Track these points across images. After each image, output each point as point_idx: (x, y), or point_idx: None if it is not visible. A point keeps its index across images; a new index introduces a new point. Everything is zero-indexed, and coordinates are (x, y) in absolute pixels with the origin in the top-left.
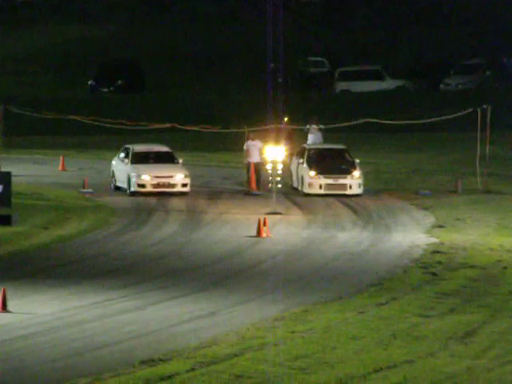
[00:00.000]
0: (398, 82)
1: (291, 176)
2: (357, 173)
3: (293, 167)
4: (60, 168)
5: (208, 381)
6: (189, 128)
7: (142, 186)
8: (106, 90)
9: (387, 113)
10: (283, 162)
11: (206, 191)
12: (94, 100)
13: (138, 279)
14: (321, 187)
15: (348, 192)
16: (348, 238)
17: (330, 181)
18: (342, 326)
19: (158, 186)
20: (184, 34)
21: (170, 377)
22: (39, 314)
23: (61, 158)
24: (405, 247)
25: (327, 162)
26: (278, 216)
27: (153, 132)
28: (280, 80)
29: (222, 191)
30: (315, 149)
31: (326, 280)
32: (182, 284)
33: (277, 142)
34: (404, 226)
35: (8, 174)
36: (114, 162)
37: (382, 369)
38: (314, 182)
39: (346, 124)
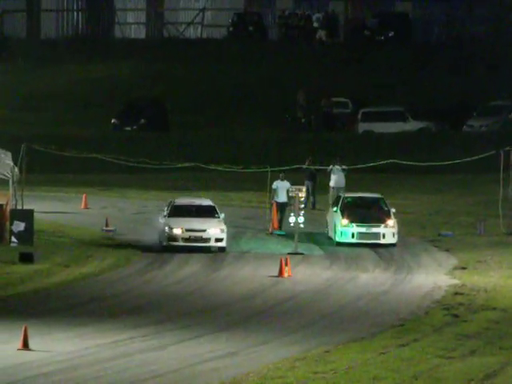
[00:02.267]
0: (421, 124)
1: (327, 225)
2: (391, 222)
3: (328, 216)
4: (82, 206)
5: None
6: (212, 167)
7: (174, 239)
8: (129, 128)
9: (409, 154)
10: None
11: (229, 231)
12: (117, 138)
13: (159, 318)
14: (353, 236)
15: (381, 241)
16: (370, 278)
17: (363, 229)
18: (364, 367)
19: (189, 240)
20: (209, 73)
21: None
22: (60, 352)
23: (83, 196)
24: (426, 288)
25: (361, 211)
26: (300, 256)
27: (176, 171)
28: (304, 120)
29: (245, 231)
30: (350, 197)
31: (348, 320)
32: (203, 323)
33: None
34: (426, 268)
35: (30, 212)
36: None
37: None
38: (346, 230)
39: (369, 165)
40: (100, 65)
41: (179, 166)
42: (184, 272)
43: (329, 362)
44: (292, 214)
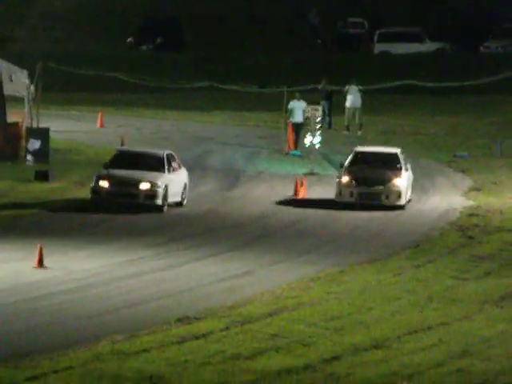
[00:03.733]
0: (438, 45)
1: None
2: (398, 181)
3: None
4: (98, 125)
5: (243, 340)
6: (227, 87)
7: (97, 193)
8: (144, 47)
9: (426, 75)
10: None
11: (244, 150)
12: (132, 57)
13: (174, 237)
14: (352, 195)
15: (385, 202)
16: None
17: (363, 189)
18: (378, 288)
19: (115, 195)
20: None
21: (204, 335)
22: (75, 270)
23: (99, 115)
24: (441, 210)
25: (367, 168)
26: (316, 176)
27: (191, 90)
28: (319, 41)
29: (260, 151)
30: (362, 152)
31: (362, 242)
32: (218, 243)
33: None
34: (441, 189)
35: (46, 130)
36: None
37: (417, 331)
38: (345, 189)
39: (386, 86)
40: None
41: (194, 85)
42: (199, 191)
43: (343, 283)
44: (308, 135)
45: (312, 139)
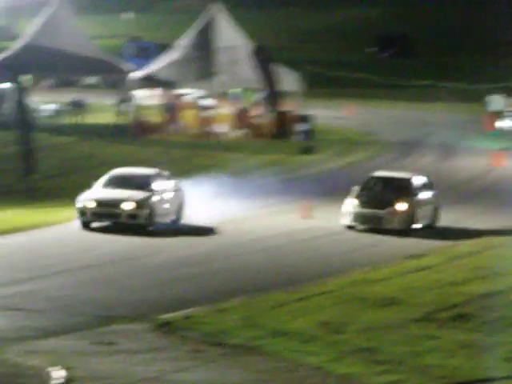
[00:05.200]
0: None
1: None
2: (401, 205)
3: None
4: (349, 113)
5: (456, 271)
6: (447, 85)
7: (83, 213)
8: (383, 55)
9: None
10: None
11: (455, 132)
12: (374, 62)
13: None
14: (356, 219)
15: (385, 227)
16: None
17: (363, 211)
18: None
19: (99, 215)
20: (451, 13)
21: (428, 267)
22: (336, 223)
23: (349, 106)
24: None
25: (376, 191)
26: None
27: (417, 87)
28: None
29: (467, 132)
30: (376, 177)
31: None
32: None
33: None
34: None
35: (311, 116)
36: None
37: None
38: (349, 211)
39: None
40: (355, 7)
41: (421, 83)
42: (421, 162)
43: None
44: (502, 120)
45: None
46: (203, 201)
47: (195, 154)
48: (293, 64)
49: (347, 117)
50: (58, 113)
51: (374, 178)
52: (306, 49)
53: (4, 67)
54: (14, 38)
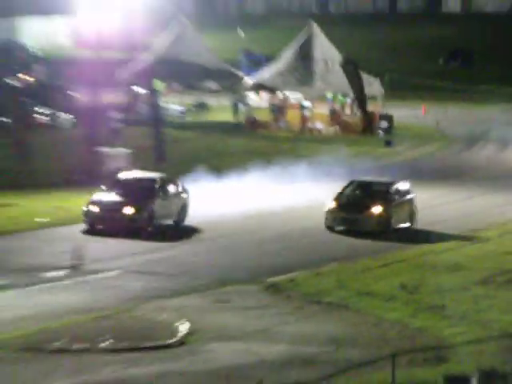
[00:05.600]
0: None
1: None
2: (378, 209)
3: None
4: (422, 113)
5: (509, 243)
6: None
7: (88, 216)
8: (449, 65)
9: None
10: None
11: None
12: (444, 72)
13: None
14: (334, 220)
15: (363, 229)
16: None
17: (342, 215)
18: None
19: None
20: None
21: (486, 239)
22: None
23: (423, 107)
24: None
25: (354, 196)
26: None
27: (481, 92)
28: None
29: None
30: (358, 181)
31: None
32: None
33: None
34: None
35: (391, 116)
36: None
37: None
38: (329, 214)
39: None
40: (431, 27)
41: (481, 89)
42: (478, 156)
43: None
44: None
45: None
46: (313, 180)
47: (297, 146)
48: (378, 72)
49: (421, 116)
50: (184, 112)
51: (353, 182)
52: (390, 60)
53: (142, 75)
54: (135, 48)
